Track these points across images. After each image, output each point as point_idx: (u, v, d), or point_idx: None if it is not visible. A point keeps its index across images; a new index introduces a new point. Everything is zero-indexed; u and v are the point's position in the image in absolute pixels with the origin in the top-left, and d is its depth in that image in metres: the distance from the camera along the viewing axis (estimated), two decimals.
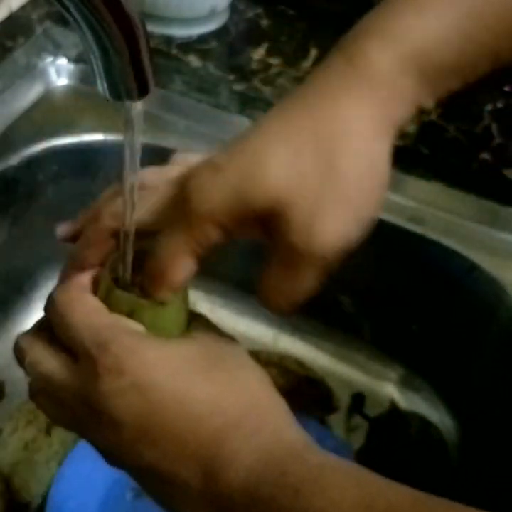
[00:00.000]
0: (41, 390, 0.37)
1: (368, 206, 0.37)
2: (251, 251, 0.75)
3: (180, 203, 0.36)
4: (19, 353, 0.38)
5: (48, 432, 0.64)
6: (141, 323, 0.37)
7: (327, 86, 0.37)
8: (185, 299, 0.39)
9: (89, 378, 0.34)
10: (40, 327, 0.39)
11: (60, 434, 0.64)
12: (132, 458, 0.34)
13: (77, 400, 0.35)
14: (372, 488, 0.31)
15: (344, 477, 0.31)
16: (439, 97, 0.39)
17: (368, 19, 0.39)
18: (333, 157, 0.35)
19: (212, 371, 0.35)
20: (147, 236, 0.38)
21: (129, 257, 0.38)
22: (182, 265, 0.37)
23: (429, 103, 0.39)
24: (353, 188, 0.36)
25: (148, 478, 0.35)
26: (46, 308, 0.38)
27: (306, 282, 0.37)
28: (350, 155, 0.36)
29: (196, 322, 0.40)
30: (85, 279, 0.39)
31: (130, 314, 0.37)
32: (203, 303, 0.75)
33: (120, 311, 0.37)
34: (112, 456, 0.36)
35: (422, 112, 0.39)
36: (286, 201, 0.35)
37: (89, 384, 0.34)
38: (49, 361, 0.36)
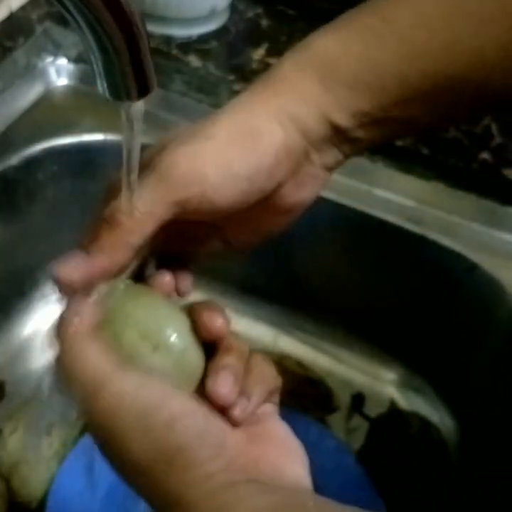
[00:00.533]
0: None
1: (235, 155, 0.38)
2: (251, 251, 0.75)
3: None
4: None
5: (48, 432, 0.64)
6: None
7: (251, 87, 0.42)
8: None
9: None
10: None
11: (60, 434, 0.64)
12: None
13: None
14: None
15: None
16: (353, 116, 0.40)
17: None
18: (218, 117, 0.39)
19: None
20: None
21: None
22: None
23: (342, 120, 0.40)
24: (222, 134, 0.38)
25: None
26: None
27: (156, 196, 0.37)
28: (230, 118, 0.39)
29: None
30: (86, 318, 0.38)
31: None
32: None
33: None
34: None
35: (340, 130, 0.40)
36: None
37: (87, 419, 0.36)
38: None
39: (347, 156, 0.42)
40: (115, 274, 0.38)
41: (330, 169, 0.42)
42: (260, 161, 0.38)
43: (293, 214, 0.43)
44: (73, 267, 0.37)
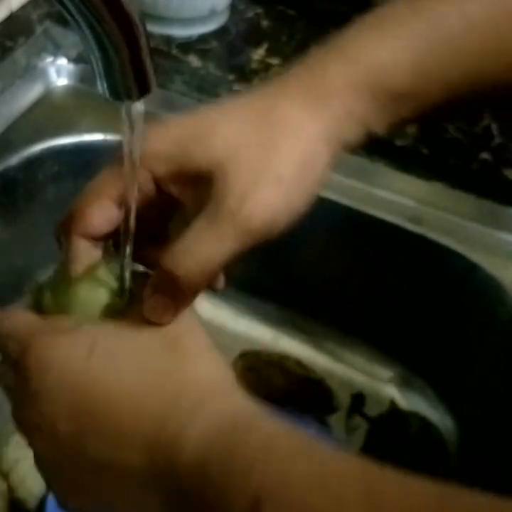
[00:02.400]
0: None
1: (300, 195, 0.37)
2: (251, 251, 0.75)
3: None
4: None
5: None
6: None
7: (285, 86, 0.39)
8: (105, 276, 0.38)
9: (20, 384, 0.34)
10: None
11: None
12: (75, 455, 0.33)
13: (19, 406, 0.35)
14: (323, 457, 0.30)
15: (294, 448, 0.30)
16: (391, 124, 0.40)
17: (335, 37, 0.40)
18: (276, 142, 0.37)
19: (144, 346, 0.34)
20: None
21: (129, 258, 0.38)
22: (99, 206, 0.37)
23: (380, 129, 0.39)
24: (289, 173, 0.37)
25: (95, 476, 0.33)
26: None
27: (224, 248, 0.35)
28: (290, 144, 0.37)
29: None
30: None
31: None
32: (203, 303, 0.75)
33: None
34: (53, 465, 0.35)
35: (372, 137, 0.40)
36: (229, 166, 0.36)
37: (22, 390, 0.34)
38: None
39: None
40: None
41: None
42: (315, 192, 0.38)
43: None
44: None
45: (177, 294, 0.35)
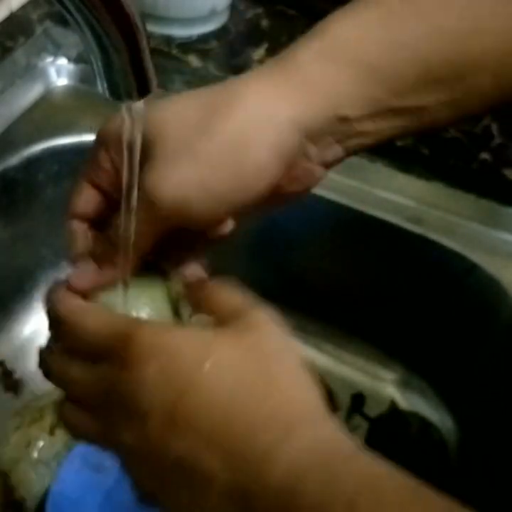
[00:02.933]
0: (68, 401, 0.37)
1: (222, 177, 0.37)
2: (251, 251, 0.75)
3: None
4: (44, 369, 0.38)
5: (51, 432, 0.64)
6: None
7: (248, 74, 0.40)
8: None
9: (114, 372, 0.33)
10: (56, 339, 0.38)
11: (63, 434, 0.64)
12: (158, 452, 0.32)
13: (102, 399, 0.34)
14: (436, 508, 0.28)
15: (403, 491, 0.29)
16: (364, 102, 0.38)
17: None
18: (209, 122, 0.37)
19: (242, 359, 0.33)
20: None
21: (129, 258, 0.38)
22: (79, 189, 0.40)
23: (352, 110, 0.38)
24: (210, 152, 0.36)
25: (173, 476, 0.33)
26: (52, 324, 0.38)
27: (138, 227, 0.37)
28: (221, 125, 0.37)
29: None
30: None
31: None
32: None
33: None
34: (136, 455, 0.34)
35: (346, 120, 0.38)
36: (160, 130, 0.37)
37: (116, 377, 0.33)
38: (73, 370, 0.36)
39: (348, 154, 0.41)
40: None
41: (327, 166, 0.41)
42: (245, 184, 0.37)
43: (282, 204, 0.41)
44: (83, 275, 0.39)
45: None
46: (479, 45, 0.38)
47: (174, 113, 0.38)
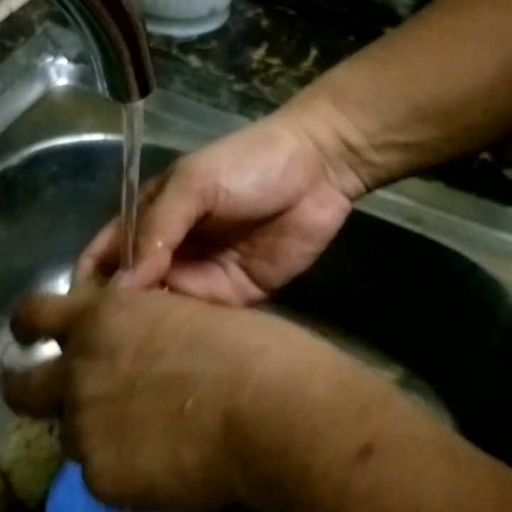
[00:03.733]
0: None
1: (254, 164, 0.40)
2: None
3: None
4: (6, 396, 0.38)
5: (51, 432, 0.64)
6: None
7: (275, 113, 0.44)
8: None
9: (83, 333, 0.33)
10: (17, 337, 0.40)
11: None
12: (141, 374, 0.31)
13: (76, 351, 0.33)
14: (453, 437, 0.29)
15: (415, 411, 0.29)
16: (363, 133, 0.41)
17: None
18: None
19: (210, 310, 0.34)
20: None
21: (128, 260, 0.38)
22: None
23: (352, 135, 0.41)
24: (247, 142, 0.41)
25: (158, 399, 0.31)
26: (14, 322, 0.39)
27: (184, 206, 0.39)
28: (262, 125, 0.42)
29: None
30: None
31: None
32: None
33: None
34: (97, 411, 0.31)
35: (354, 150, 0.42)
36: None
37: (83, 336, 0.33)
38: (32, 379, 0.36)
39: (367, 187, 0.44)
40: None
41: (350, 197, 0.44)
42: (273, 158, 0.40)
43: (314, 242, 0.43)
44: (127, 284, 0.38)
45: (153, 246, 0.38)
46: (462, 84, 0.41)
47: (226, 150, 0.41)
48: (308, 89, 0.44)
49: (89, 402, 0.32)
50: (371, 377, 0.31)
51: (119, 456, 0.31)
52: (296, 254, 0.43)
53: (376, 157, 0.42)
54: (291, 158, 0.40)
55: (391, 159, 0.42)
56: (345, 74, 0.43)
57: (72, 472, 0.62)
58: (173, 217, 0.38)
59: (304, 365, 0.30)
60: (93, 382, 0.32)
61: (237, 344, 0.31)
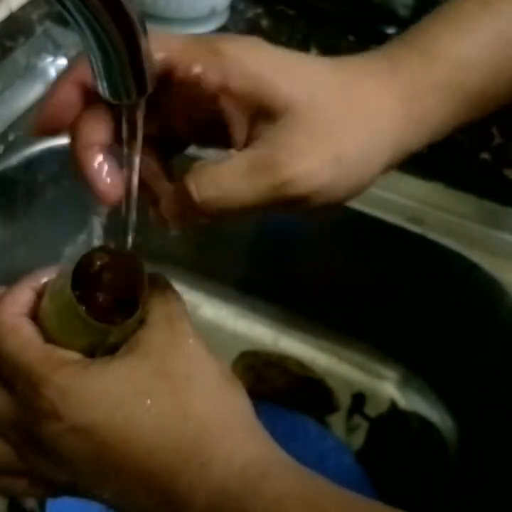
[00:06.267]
0: None
1: (355, 177, 0.35)
2: (251, 251, 0.75)
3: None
4: None
5: None
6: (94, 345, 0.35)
7: (373, 72, 0.37)
8: None
9: (29, 419, 0.33)
10: None
11: None
12: (95, 490, 0.34)
13: (22, 436, 0.34)
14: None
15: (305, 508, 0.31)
16: (452, 125, 0.39)
17: (408, 34, 0.39)
18: (355, 110, 0.35)
19: (154, 395, 0.33)
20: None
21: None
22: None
23: (448, 128, 0.39)
24: (349, 154, 0.34)
25: (119, 504, 0.34)
26: None
27: (253, 198, 0.33)
28: (364, 121, 0.35)
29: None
30: (24, 296, 0.38)
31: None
32: (203, 303, 0.75)
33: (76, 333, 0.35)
34: (75, 488, 0.35)
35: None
36: (303, 107, 0.34)
37: (31, 424, 0.33)
38: None
39: None
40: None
41: None
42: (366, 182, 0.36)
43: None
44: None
45: (187, 213, 0.34)
46: None
47: (319, 87, 0.35)
48: (429, 73, 0.37)
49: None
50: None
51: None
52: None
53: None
54: (385, 150, 0.36)
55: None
56: (465, 57, 0.38)
57: None
58: (231, 208, 0.33)
59: None
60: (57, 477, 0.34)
61: (170, 487, 0.32)
